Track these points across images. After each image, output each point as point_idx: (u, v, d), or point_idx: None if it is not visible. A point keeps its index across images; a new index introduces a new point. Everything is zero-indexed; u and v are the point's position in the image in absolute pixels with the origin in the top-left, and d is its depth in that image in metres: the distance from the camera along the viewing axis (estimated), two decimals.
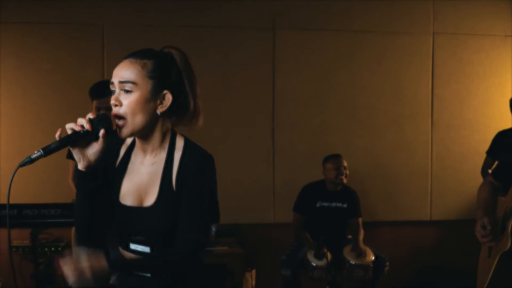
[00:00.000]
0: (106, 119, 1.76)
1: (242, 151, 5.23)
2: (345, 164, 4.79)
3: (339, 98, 5.43)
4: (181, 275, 1.89)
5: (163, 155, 1.85)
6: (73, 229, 4.20)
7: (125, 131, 1.77)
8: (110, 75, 5.67)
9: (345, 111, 5.44)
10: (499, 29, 5.64)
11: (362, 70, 5.46)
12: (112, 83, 1.80)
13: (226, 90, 5.14)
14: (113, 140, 1.91)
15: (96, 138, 1.75)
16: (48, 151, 1.69)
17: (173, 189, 1.81)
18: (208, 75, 4.81)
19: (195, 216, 1.81)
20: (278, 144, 5.35)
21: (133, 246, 1.88)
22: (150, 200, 1.84)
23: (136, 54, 1.82)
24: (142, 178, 1.86)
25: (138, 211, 1.84)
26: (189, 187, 1.80)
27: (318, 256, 4.43)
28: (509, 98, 5.10)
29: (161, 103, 1.80)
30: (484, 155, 4.96)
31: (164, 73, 1.81)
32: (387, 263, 4.58)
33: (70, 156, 4.25)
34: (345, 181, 4.78)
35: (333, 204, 4.79)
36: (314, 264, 4.43)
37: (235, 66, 5.18)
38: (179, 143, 1.86)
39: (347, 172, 4.79)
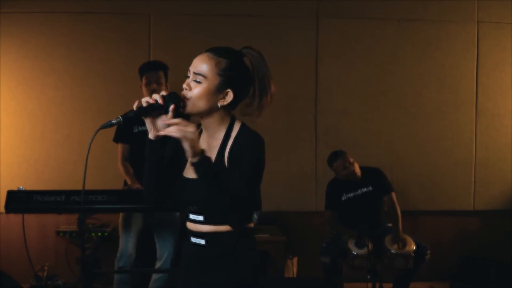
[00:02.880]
0: (176, 97, 1.99)
1: (285, 138, 5.26)
2: (349, 158, 4.70)
3: (383, 86, 5.42)
4: (232, 244, 2.05)
5: (221, 134, 2.06)
6: (120, 215, 4.29)
7: (188, 107, 2.02)
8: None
9: (388, 99, 5.43)
10: None
11: (406, 59, 5.44)
12: (189, 70, 2.04)
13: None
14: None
15: (166, 112, 1.98)
16: (126, 118, 1.94)
17: (224, 163, 2.01)
18: None
19: (242, 180, 1.94)
20: (320, 132, 5.36)
21: (191, 216, 2.10)
22: None
23: (215, 51, 2.04)
24: None
25: (194, 182, 2.02)
26: (239, 158, 1.98)
27: (359, 245, 4.42)
28: None
29: (223, 98, 2.03)
30: None
31: (233, 74, 2.02)
32: (428, 252, 4.55)
33: (118, 139, 4.33)
34: (357, 171, 4.70)
35: (359, 192, 4.75)
36: (355, 253, 4.42)
37: (279, 54, 5.20)
38: (237, 125, 2.07)
39: (355, 165, 4.69)
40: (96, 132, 1.96)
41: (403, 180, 5.25)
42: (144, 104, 1.96)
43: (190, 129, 1.88)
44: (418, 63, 5.45)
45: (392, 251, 4.46)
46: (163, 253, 4.23)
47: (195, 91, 2.00)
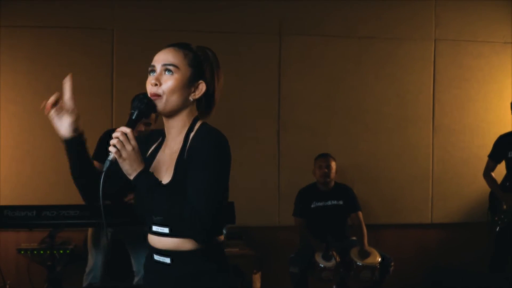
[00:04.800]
0: (140, 105, 1.89)
1: (248, 153, 5.29)
2: (332, 164, 4.86)
3: (344, 102, 5.53)
4: (201, 264, 1.89)
5: (182, 137, 1.95)
6: (89, 230, 4.27)
7: (161, 105, 1.90)
8: (120, 79, 5.86)
9: (350, 115, 5.53)
10: (499, 36, 5.77)
11: (366, 75, 5.56)
12: (153, 66, 1.92)
13: (233, 94, 5.18)
14: (152, 134, 2.10)
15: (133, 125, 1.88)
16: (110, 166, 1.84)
17: (185, 164, 1.86)
18: None
19: (203, 186, 1.80)
20: (283, 147, 5.43)
21: (154, 228, 1.93)
22: (167, 177, 1.90)
23: (179, 45, 1.96)
24: (165, 159, 1.96)
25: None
26: (196, 157, 1.84)
27: (327, 258, 4.50)
28: (507, 103, 5.22)
29: (195, 91, 1.94)
30: (484, 159, 5.05)
31: (201, 65, 1.96)
32: (392, 263, 4.67)
33: (96, 157, 4.31)
34: (332, 179, 4.86)
35: (329, 203, 4.87)
36: (323, 265, 4.49)
37: (242, 70, 5.25)
38: (196, 125, 1.95)
39: (332, 172, 4.86)
40: (102, 177, 1.81)
41: (364, 194, 5.34)
42: (111, 156, 1.80)
43: (128, 147, 1.77)
44: (378, 79, 5.58)
45: (358, 263, 4.54)
46: (140, 268, 4.21)
47: (168, 84, 1.87)
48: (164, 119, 1.99)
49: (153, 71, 1.91)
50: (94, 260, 4.18)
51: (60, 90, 5.50)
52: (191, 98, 1.93)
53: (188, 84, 1.91)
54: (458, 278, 5.29)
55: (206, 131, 1.91)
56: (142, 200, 1.85)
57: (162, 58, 1.91)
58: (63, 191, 4.79)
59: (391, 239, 5.60)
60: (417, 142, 5.65)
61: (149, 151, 2.06)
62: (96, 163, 4.31)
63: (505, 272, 4.76)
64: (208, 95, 1.99)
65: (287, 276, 4.75)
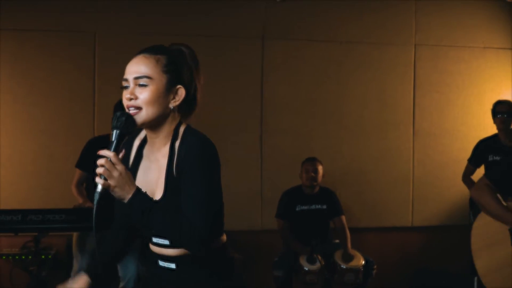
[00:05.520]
0: (120, 123, 1.76)
1: (231, 157, 5.28)
2: (319, 168, 4.89)
3: (326, 105, 5.56)
4: (207, 267, 1.91)
5: (167, 148, 1.87)
6: (74, 235, 4.24)
7: (140, 118, 1.79)
8: (102, 83, 5.82)
9: (331, 119, 5.57)
10: (479, 41, 5.85)
11: (348, 79, 5.60)
12: (126, 79, 1.81)
13: (216, 97, 5.19)
14: (125, 143, 1.99)
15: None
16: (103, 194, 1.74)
17: (176, 179, 1.81)
18: None
19: (198, 200, 1.78)
20: (266, 151, 5.44)
21: (154, 240, 1.93)
22: (159, 193, 1.85)
23: (150, 50, 1.85)
24: (154, 173, 1.90)
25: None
26: (187, 172, 1.79)
27: (311, 261, 4.51)
28: (487, 107, 5.29)
29: (174, 97, 1.84)
30: (463, 163, 5.13)
31: (177, 68, 1.85)
32: (375, 266, 4.70)
33: (80, 165, 4.31)
34: (318, 183, 4.88)
35: (313, 207, 4.90)
36: (307, 269, 4.50)
37: (225, 74, 5.25)
38: (180, 131, 1.87)
39: (318, 176, 4.88)
40: (94, 211, 1.72)
41: (345, 197, 5.37)
42: (99, 188, 1.70)
43: (115, 173, 1.67)
44: (360, 83, 5.62)
45: (342, 266, 4.57)
46: (126, 273, 4.19)
47: (143, 96, 1.77)
48: (146, 131, 1.91)
49: (127, 86, 1.81)
50: (79, 265, 4.16)
51: (41, 94, 5.46)
52: (171, 106, 1.83)
53: (166, 92, 1.81)
54: (440, 280, 5.35)
55: (192, 139, 1.82)
56: (138, 220, 1.79)
57: (133, 70, 1.80)
58: (44, 196, 4.78)
59: (373, 242, 5.63)
60: (398, 145, 5.70)
61: (131, 159, 1.99)
62: (79, 171, 4.33)
63: None
64: (189, 97, 1.89)
65: (271, 279, 4.76)
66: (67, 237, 4.68)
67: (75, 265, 4.21)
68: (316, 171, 4.87)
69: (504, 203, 2.78)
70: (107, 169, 1.67)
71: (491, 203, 2.78)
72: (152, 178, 1.90)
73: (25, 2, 5.00)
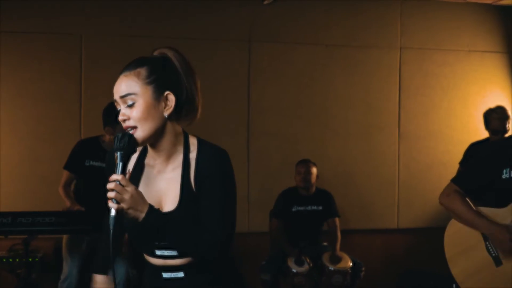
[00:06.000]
0: (123, 145, 1.76)
1: None
2: (312, 169, 4.90)
3: (312, 108, 5.59)
4: (216, 271, 1.92)
5: (180, 159, 1.86)
6: (64, 237, 4.24)
7: (139, 136, 1.79)
8: (88, 85, 5.80)
9: (318, 121, 5.60)
10: (463, 45, 5.91)
11: (334, 82, 5.63)
12: (116, 101, 1.83)
13: (203, 100, 5.19)
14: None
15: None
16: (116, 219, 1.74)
17: (193, 191, 1.82)
18: None
19: (220, 209, 1.82)
20: (253, 153, 5.46)
21: (159, 252, 1.89)
22: (170, 205, 1.84)
23: (128, 66, 1.82)
24: (161, 185, 1.88)
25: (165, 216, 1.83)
26: (208, 184, 1.82)
27: (299, 263, 4.53)
28: (471, 110, 5.35)
29: (166, 105, 1.82)
30: (448, 165, 5.16)
31: (160, 75, 1.81)
32: (363, 268, 4.73)
33: (68, 167, 4.30)
34: (312, 185, 4.90)
35: (309, 208, 4.92)
36: (295, 271, 4.51)
37: (212, 77, 5.27)
38: (193, 143, 1.88)
39: (312, 178, 4.90)
40: (111, 236, 1.71)
41: None
42: (113, 212, 1.70)
43: (126, 195, 1.68)
44: (345, 86, 5.66)
45: (330, 268, 4.58)
46: (115, 277, 4.18)
47: (134, 114, 1.77)
48: (149, 148, 1.89)
49: (118, 106, 1.82)
50: (69, 268, 4.16)
51: (27, 96, 5.46)
52: (165, 114, 1.81)
53: (155, 103, 1.79)
54: (425, 281, 5.38)
55: (210, 151, 1.86)
56: (150, 237, 1.81)
57: (117, 90, 1.81)
58: (30, 198, 4.77)
59: (359, 244, 5.65)
60: (383, 148, 5.74)
61: (129, 169, 1.96)
62: (67, 173, 4.33)
63: None
64: (183, 101, 1.86)
65: (257, 282, 4.76)
66: (55, 240, 4.67)
67: (65, 267, 4.20)
68: (309, 172, 4.88)
69: (474, 208, 2.74)
70: (118, 193, 1.68)
71: (463, 210, 2.74)
72: (158, 189, 1.88)
73: (10, 4, 5.00)
